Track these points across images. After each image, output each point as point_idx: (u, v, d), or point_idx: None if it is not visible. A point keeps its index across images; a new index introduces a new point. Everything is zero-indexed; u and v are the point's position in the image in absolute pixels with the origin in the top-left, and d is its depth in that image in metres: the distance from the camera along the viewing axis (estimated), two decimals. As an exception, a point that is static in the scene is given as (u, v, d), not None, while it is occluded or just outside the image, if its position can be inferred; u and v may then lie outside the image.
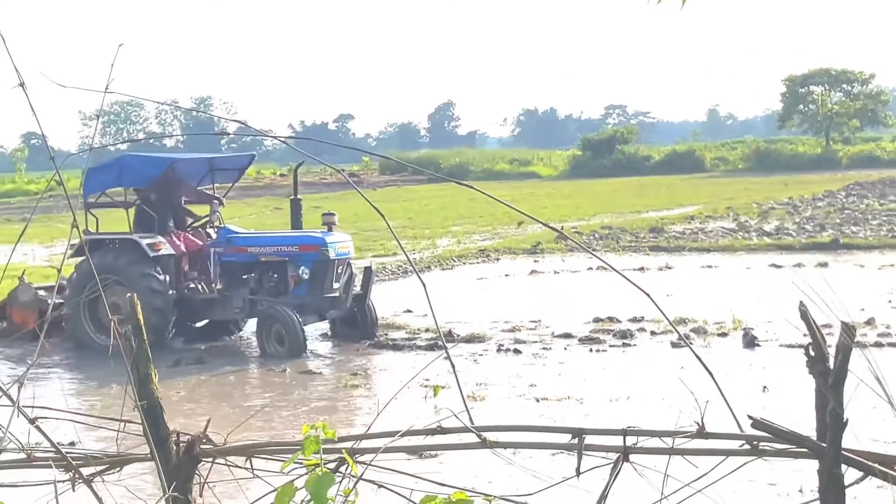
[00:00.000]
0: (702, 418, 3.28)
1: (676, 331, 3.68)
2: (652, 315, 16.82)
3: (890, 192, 47.21)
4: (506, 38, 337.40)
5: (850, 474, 3.21)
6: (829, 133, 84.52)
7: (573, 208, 43.52)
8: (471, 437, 3.43)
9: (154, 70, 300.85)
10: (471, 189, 3.68)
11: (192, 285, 17.14)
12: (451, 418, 3.44)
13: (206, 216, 17.83)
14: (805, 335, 3.24)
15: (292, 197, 17.95)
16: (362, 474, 3.39)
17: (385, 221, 3.58)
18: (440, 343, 15.81)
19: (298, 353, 15.63)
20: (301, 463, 3.32)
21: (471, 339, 16.21)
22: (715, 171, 76.60)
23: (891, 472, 3.15)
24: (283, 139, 4.32)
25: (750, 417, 3.21)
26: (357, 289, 16.99)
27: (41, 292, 17.68)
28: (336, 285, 16.58)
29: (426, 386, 11.63)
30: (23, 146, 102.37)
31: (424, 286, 3.61)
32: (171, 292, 16.46)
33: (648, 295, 3.33)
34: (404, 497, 3.39)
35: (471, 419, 3.41)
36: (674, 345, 15.24)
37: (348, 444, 3.45)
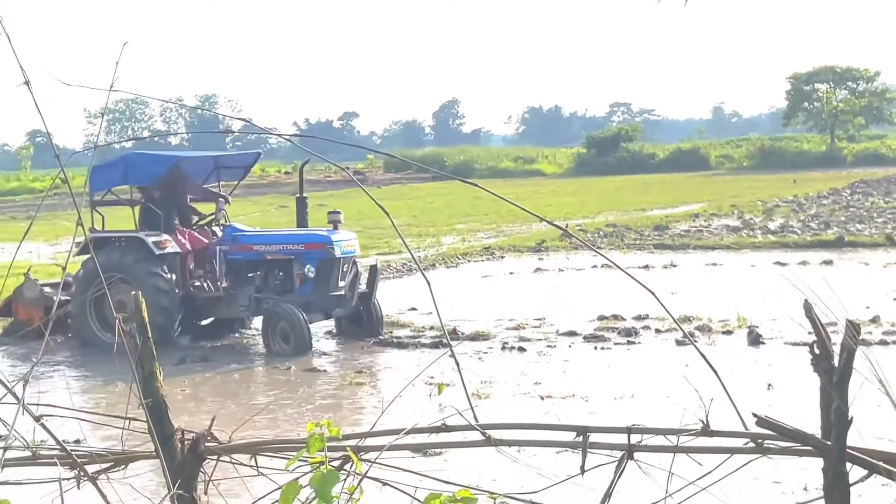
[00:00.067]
0: (706, 416, 3.27)
1: (681, 329, 3.68)
2: (657, 313, 16.81)
3: (895, 189, 47.16)
4: (510, 35, 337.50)
5: (854, 472, 3.21)
6: (833, 131, 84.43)
7: (578, 206, 43.50)
8: (475, 435, 3.43)
9: (159, 68, 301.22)
10: (475, 187, 3.68)
11: (198, 283, 17.16)
12: (455, 416, 3.44)
13: (212, 214, 17.84)
14: (810, 333, 3.24)
15: (298, 195, 17.96)
16: (367, 472, 3.39)
17: (390, 219, 3.58)
18: (445, 341, 15.80)
19: (304, 351, 15.64)
20: (306, 461, 3.32)
21: (475, 337, 16.20)
22: (720, 169, 76.54)
23: (895, 470, 3.15)
24: (287, 137, 4.32)
25: (754, 415, 3.21)
26: (363, 287, 16.99)
27: (47, 289, 17.68)
28: (342, 284, 16.59)
29: (431, 384, 11.63)
30: (28, 144, 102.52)
31: (429, 284, 3.61)
32: (177, 291, 16.48)
33: (653, 293, 3.33)
34: (409, 495, 3.39)
35: (475, 417, 3.41)
36: (678, 343, 15.23)
37: (353, 442, 3.45)
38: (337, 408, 12.64)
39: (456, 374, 3.59)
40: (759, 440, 3.26)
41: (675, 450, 3.30)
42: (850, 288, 19.01)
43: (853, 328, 3.15)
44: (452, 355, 3.63)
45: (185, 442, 3.71)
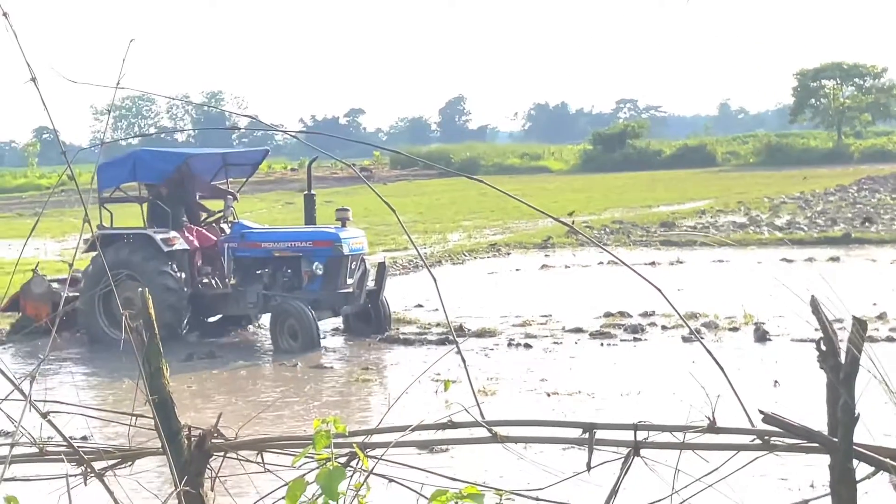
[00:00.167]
0: (713, 413, 3.27)
1: (687, 325, 3.68)
2: (663, 309, 16.81)
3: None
4: (517, 32, 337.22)
5: (861, 469, 3.20)
6: (840, 127, 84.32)
7: (584, 202, 43.48)
8: (482, 432, 3.43)
9: (165, 65, 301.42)
10: (481, 183, 3.68)
11: (206, 280, 17.18)
12: (461, 413, 3.45)
13: (220, 211, 17.86)
14: (816, 330, 3.24)
15: (306, 192, 17.98)
16: (373, 469, 3.39)
17: (396, 216, 3.58)
18: (451, 338, 15.80)
19: (312, 348, 15.64)
20: (312, 457, 3.32)
21: (481, 334, 16.21)
22: (726, 166, 76.42)
23: (902, 466, 3.15)
24: (293, 134, 4.33)
25: (761, 412, 3.21)
26: (371, 284, 17.00)
27: (54, 285, 17.69)
28: (350, 281, 16.60)
29: (437, 380, 11.66)
30: (35, 141, 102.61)
31: (435, 281, 3.61)
32: (185, 290, 16.50)
33: (659, 289, 3.33)
34: (415, 491, 3.40)
35: (482, 414, 3.41)
36: (685, 339, 15.22)
37: (359, 439, 3.45)
38: (343, 404, 12.65)
39: (462, 370, 3.59)
40: (766, 437, 3.26)
41: (682, 447, 3.29)
42: (856, 284, 19.00)
43: (860, 325, 3.15)
44: (459, 352, 3.63)
45: (192, 438, 3.71)
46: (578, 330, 16.35)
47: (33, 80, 3.24)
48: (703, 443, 3.30)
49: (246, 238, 16.89)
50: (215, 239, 17.31)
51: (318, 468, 3.28)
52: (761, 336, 15.21)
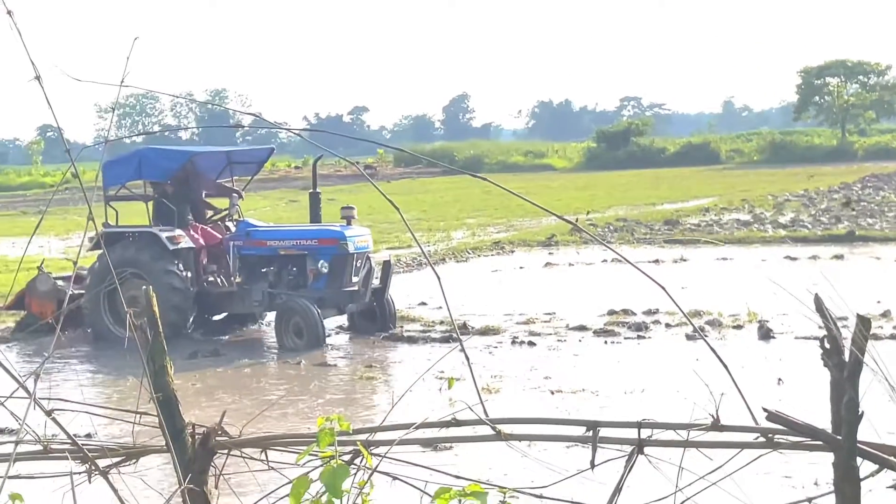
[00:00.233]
0: (717, 411, 3.27)
1: (691, 323, 3.68)
2: (667, 307, 16.80)
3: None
4: (521, 29, 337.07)
5: (865, 467, 3.20)
6: (844, 125, 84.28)
7: (588, 200, 43.46)
8: (485, 430, 3.43)
9: (169, 63, 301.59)
10: (485, 181, 3.68)
11: (212, 279, 17.19)
12: (465, 410, 3.45)
13: (226, 209, 17.87)
14: (820, 327, 3.24)
15: (311, 191, 17.97)
16: (377, 466, 3.39)
17: (399, 214, 3.58)
18: (455, 335, 15.81)
19: (317, 346, 15.64)
20: (316, 455, 3.33)
21: (485, 332, 16.21)
22: (730, 163, 76.38)
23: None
24: (297, 132, 4.32)
25: (765, 410, 3.21)
26: (376, 283, 17.00)
27: (60, 283, 17.69)
28: (355, 279, 16.60)
29: (441, 378, 11.64)
30: (39, 139, 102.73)
31: (439, 278, 3.61)
32: (191, 289, 16.50)
33: (663, 287, 3.33)
34: (419, 489, 3.40)
35: (485, 411, 3.41)
36: (689, 337, 15.22)
37: (363, 437, 3.46)
38: (347, 402, 12.65)
39: (466, 368, 3.59)
40: (770, 435, 3.26)
41: (686, 444, 3.29)
42: (860, 282, 19.00)
43: (863, 323, 3.15)
44: (462, 350, 3.63)
45: (196, 436, 3.72)
46: (582, 328, 16.35)
47: (37, 78, 3.24)
48: (706, 441, 3.30)
49: (251, 236, 16.90)
50: (220, 237, 17.32)
51: (322, 466, 3.28)
52: (765, 334, 15.20)
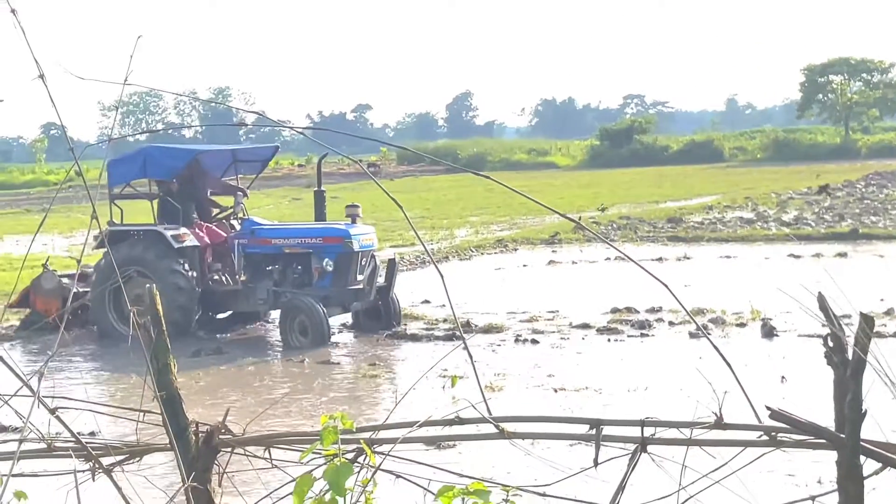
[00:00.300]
0: (720, 409, 3.27)
1: (694, 321, 3.68)
2: (670, 305, 16.79)
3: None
4: (524, 27, 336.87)
5: (868, 465, 3.20)
6: (848, 122, 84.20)
7: (591, 198, 43.45)
8: (489, 428, 3.43)
9: (172, 61, 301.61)
10: (488, 179, 3.68)
11: (216, 277, 17.19)
12: (469, 409, 3.45)
13: (230, 208, 17.87)
14: (824, 325, 3.24)
15: (316, 189, 17.96)
16: (380, 464, 3.40)
17: (402, 212, 3.58)
18: (458, 333, 15.81)
19: (322, 344, 15.64)
20: (319, 453, 3.33)
21: (489, 330, 16.20)
22: (733, 161, 76.36)
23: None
24: (300, 130, 4.32)
25: (768, 408, 3.21)
26: (381, 281, 16.99)
27: (65, 280, 17.69)
28: (360, 277, 16.60)
29: (444, 376, 11.66)
30: (42, 137, 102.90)
31: (442, 277, 3.61)
32: (196, 290, 16.50)
33: (666, 285, 3.33)
34: (422, 487, 3.40)
35: (489, 409, 3.42)
36: (692, 335, 15.21)
37: (366, 435, 3.46)
38: (350, 400, 12.65)
39: (469, 366, 3.59)
40: (773, 433, 3.26)
41: (689, 443, 3.30)
42: (864, 280, 18.98)
43: (867, 321, 3.15)
44: (466, 348, 3.63)
45: (200, 434, 3.72)
46: (586, 326, 16.34)
47: (41, 76, 3.24)
48: (710, 439, 3.30)
49: (256, 234, 16.91)
50: (225, 235, 17.33)
51: (325, 464, 3.28)
52: (768, 332, 15.19)
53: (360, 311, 16.96)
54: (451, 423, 3.48)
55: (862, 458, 3.17)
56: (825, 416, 3.33)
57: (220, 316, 17.60)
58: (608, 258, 24.37)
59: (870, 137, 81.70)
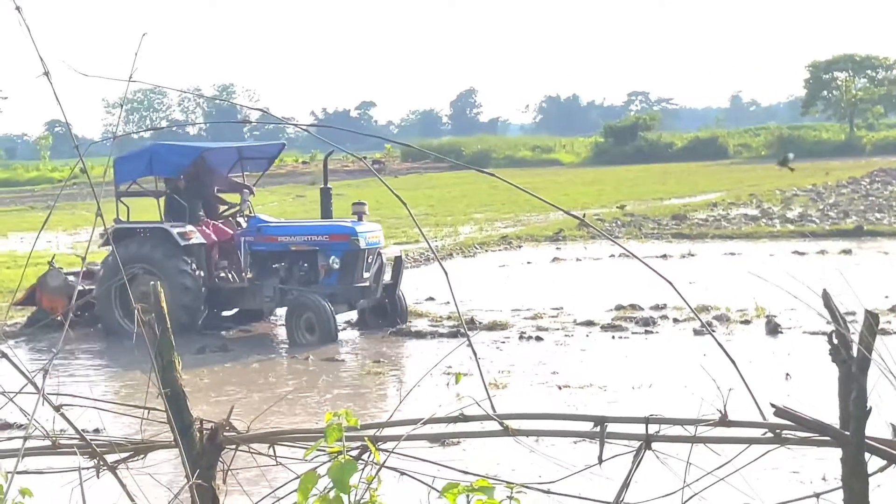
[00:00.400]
0: (724, 406, 3.27)
1: (699, 318, 3.68)
2: (674, 302, 16.78)
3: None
4: (528, 24, 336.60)
5: (873, 462, 3.20)
6: (853, 119, 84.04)
7: (595, 195, 43.43)
8: (493, 425, 3.43)
9: (177, 58, 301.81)
10: (492, 176, 3.68)
11: (223, 274, 17.20)
12: (473, 406, 3.45)
13: (237, 205, 17.88)
14: (828, 323, 3.23)
15: (322, 186, 17.97)
16: (385, 462, 3.40)
17: (407, 209, 3.58)
18: (462, 330, 15.82)
19: (330, 341, 15.64)
20: (324, 450, 3.33)
21: (493, 327, 16.20)
22: (738, 158, 76.27)
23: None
24: (305, 127, 4.32)
25: (773, 405, 3.21)
26: (387, 278, 16.99)
27: (70, 278, 17.69)
28: (366, 275, 16.59)
29: (448, 373, 11.65)
30: (47, 134, 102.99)
31: (446, 274, 3.61)
32: (203, 290, 16.50)
33: (670, 282, 3.33)
34: (426, 484, 3.40)
35: (493, 407, 3.42)
36: (696, 332, 15.20)
37: (371, 432, 3.46)
38: (355, 397, 12.66)
39: (473, 363, 3.59)
40: (778, 430, 3.26)
41: (693, 440, 3.30)
42: (869, 277, 18.96)
43: (872, 318, 3.14)
44: (470, 345, 3.63)
45: (204, 431, 3.73)
46: (590, 323, 16.33)
47: (46, 73, 3.25)
48: (714, 436, 3.30)
49: (262, 232, 16.91)
50: (232, 233, 17.33)
51: (329, 461, 3.29)
52: (773, 329, 15.18)
53: (366, 308, 16.96)
54: (455, 420, 3.48)
55: (867, 455, 3.17)
56: (830, 414, 3.33)
57: (226, 313, 17.62)
58: (612, 255, 24.36)
59: (874, 134, 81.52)
